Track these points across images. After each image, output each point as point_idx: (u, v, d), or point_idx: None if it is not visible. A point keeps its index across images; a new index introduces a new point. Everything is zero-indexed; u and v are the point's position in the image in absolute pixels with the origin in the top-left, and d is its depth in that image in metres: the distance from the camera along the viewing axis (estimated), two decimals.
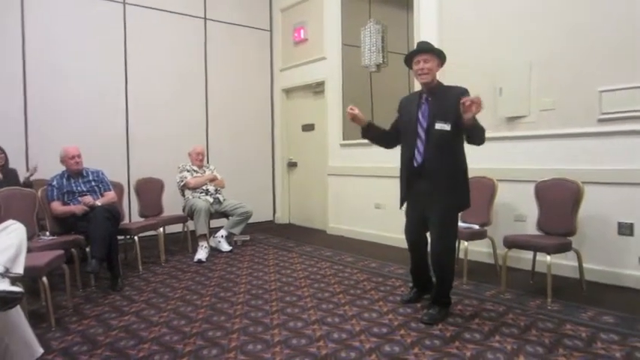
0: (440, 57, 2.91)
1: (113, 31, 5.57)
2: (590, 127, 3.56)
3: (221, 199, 5.20)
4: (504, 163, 4.05)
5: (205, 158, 5.56)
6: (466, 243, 3.69)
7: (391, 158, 5.11)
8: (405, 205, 3.08)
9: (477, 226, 3.75)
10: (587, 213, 3.48)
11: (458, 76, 4.36)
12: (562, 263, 3.56)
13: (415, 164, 2.90)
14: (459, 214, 3.08)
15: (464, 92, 2.82)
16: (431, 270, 3.05)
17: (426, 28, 4.75)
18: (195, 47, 6.28)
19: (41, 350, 2.19)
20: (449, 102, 2.78)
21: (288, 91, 6.96)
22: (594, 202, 3.46)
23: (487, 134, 4.04)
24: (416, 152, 2.89)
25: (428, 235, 3.03)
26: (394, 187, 5.09)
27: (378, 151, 5.45)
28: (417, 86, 4.79)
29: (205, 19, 6.34)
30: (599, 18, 3.49)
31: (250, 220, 5.30)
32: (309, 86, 6.53)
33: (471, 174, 4.00)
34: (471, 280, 3.64)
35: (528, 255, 3.65)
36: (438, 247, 2.87)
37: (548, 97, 3.80)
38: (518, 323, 2.76)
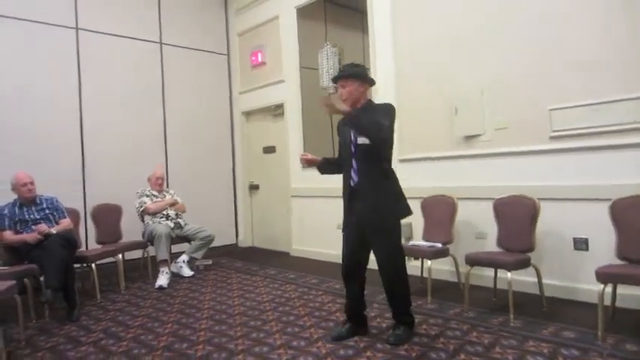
0: (359, 78, 2.86)
1: (66, 57, 5.42)
2: (543, 144, 3.72)
3: (182, 223, 5.09)
4: (463, 181, 4.18)
5: (165, 183, 5.45)
6: (429, 262, 3.74)
7: None
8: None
9: (439, 245, 3.82)
10: (545, 229, 3.60)
11: (415, 96, 4.55)
12: (522, 279, 3.66)
13: (352, 183, 2.90)
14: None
15: (387, 107, 2.86)
16: (366, 304, 3.03)
17: (381, 50, 4.90)
18: (152, 72, 6.19)
19: None
20: (371, 117, 2.74)
21: (248, 114, 6.97)
22: (550, 218, 3.58)
23: (445, 153, 4.24)
24: (352, 171, 2.89)
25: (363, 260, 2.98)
26: None
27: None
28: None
29: (161, 43, 6.28)
30: (546, 39, 3.67)
31: (212, 244, 5.21)
32: (268, 109, 6.56)
33: (431, 192, 4.16)
34: (435, 299, 3.69)
35: (490, 272, 3.74)
36: (387, 265, 2.86)
37: (502, 116, 3.96)
38: (483, 341, 2.80)
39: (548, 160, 3.70)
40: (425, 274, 3.96)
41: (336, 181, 5.25)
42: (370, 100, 2.97)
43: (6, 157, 4.80)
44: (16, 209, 3.93)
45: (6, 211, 3.88)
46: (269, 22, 6.36)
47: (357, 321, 3.01)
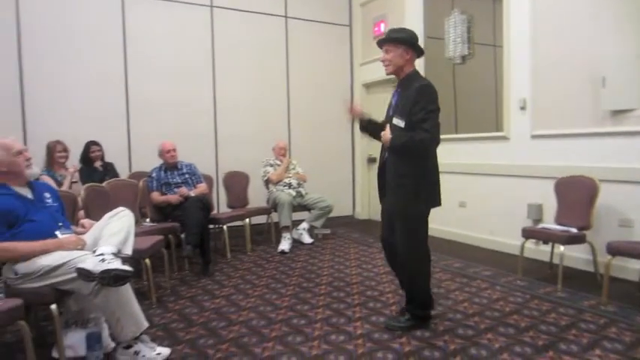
0: (405, 44, 2.64)
1: (202, 33, 5.86)
2: None
3: (303, 192, 5.30)
4: (608, 162, 3.72)
5: (288, 153, 5.70)
6: (562, 247, 3.45)
7: (477, 154, 4.96)
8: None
9: (574, 230, 3.49)
10: None
11: (552, 66, 4.13)
12: None
13: (383, 160, 2.77)
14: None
15: (420, 87, 2.57)
16: None
17: (516, 17, 4.49)
18: (277, 45, 6.43)
19: (146, 324, 2.38)
20: (409, 96, 2.58)
21: (368, 86, 6.92)
22: None
23: (587, 129, 3.84)
24: (384, 146, 2.76)
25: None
26: (479, 185, 4.97)
27: (463, 147, 5.31)
28: (507, 78, 4.60)
29: (286, 17, 6.48)
30: None
31: (331, 215, 5.37)
32: (389, 80, 6.39)
33: (566, 172, 3.80)
34: (566, 288, 3.39)
35: (635, 264, 3.34)
36: (404, 254, 2.68)
37: None
38: (623, 338, 2.53)
39: None
40: (555, 260, 3.67)
41: (458, 156, 5.11)
42: (416, 72, 2.72)
43: (154, 127, 5.40)
44: (162, 173, 4.42)
45: (154, 175, 4.39)
46: None
47: None
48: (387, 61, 2.68)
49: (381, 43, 2.72)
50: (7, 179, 2.38)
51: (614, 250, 3.09)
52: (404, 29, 2.78)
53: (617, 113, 3.71)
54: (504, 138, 4.67)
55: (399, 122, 2.63)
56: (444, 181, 5.31)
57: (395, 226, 2.69)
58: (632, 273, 3.42)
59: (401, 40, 2.65)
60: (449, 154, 5.33)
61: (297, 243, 5.06)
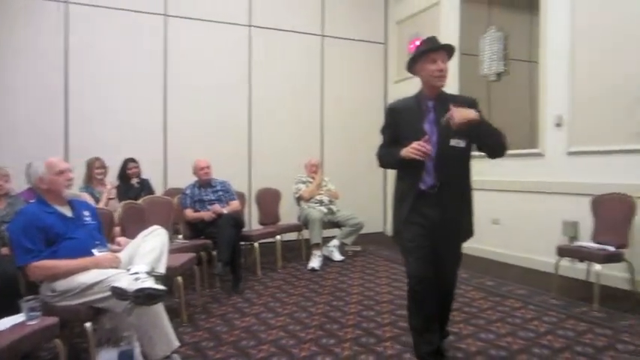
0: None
1: (239, 52, 6.05)
2: None
3: (334, 209, 5.33)
4: None
5: (320, 170, 5.75)
6: (598, 266, 3.34)
7: (511, 171, 4.87)
8: (400, 236, 2.44)
9: (612, 248, 3.38)
10: None
11: (591, 83, 4.05)
12: None
13: (423, 187, 2.33)
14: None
15: (474, 100, 2.42)
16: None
17: (554, 32, 4.43)
18: (313, 63, 6.55)
19: (177, 343, 2.43)
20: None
21: None
22: None
23: (626, 146, 3.70)
24: (424, 173, 2.32)
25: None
26: (513, 202, 4.88)
27: (497, 163, 5.17)
28: (544, 94, 4.52)
29: (323, 36, 6.60)
30: None
31: (361, 231, 5.36)
32: None
33: (603, 190, 3.69)
34: (603, 307, 3.28)
35: None
36: (452, 282, 2.53)
37: None
38: None
39: None
40: (591, 279, 3.55)
41: (490, 173, 5.03)
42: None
43: (190, 145, 5.55)
44: (196, 190, 4.53)
45: (188, 192, 4.51)
46: (430, 8, 6.19)
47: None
48: (445, 71, 2.33)
49: (440, 49, 2.35)
50: (47, 197, 2.49)
51: None
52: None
53: None
54: (539, 155, 4.59)
55: (458, 143, 2.29)
56: (478, 198, 5.27)
57: (449, 248, 2.45)
58: None
59: (451, 54, 2.39)
60: (482, 170, 5.24)
61: (327, 260, 5.06)
